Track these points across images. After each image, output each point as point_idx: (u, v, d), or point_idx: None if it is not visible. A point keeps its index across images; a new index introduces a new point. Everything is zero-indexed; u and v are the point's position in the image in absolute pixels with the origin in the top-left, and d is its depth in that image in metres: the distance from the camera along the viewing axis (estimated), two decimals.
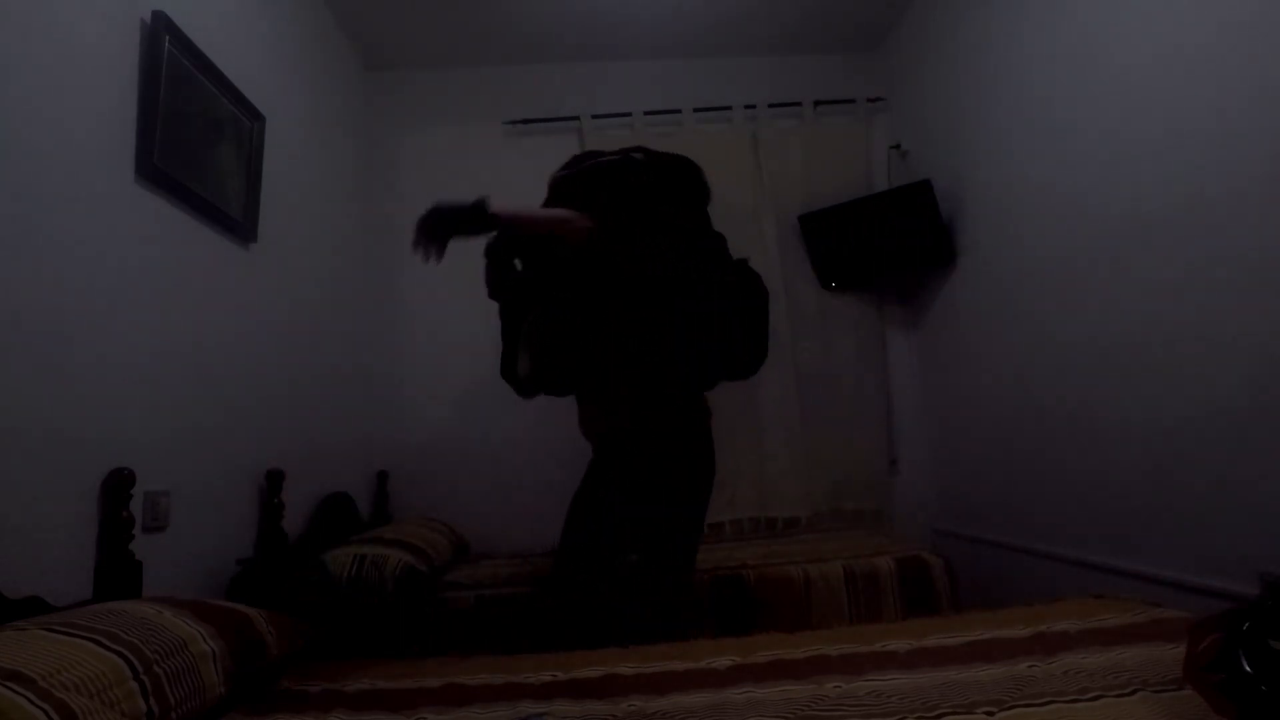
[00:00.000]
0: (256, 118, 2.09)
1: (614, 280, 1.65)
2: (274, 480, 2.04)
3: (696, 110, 3.20)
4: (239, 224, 2.00)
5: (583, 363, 1.71)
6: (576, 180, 1.74)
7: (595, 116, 3.18)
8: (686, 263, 1.66)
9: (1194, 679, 0.91)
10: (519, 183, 3.21)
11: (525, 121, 3.21)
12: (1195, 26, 1.67)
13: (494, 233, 1.60)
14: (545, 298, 1.71)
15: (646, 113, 3.20)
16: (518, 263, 1.76)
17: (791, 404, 3.02)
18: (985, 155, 2.57)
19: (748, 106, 3.20)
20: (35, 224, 1.30)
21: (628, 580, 1.55)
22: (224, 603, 1.34)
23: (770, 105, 3.20)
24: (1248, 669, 0.81)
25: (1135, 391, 1.89)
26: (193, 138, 1.79)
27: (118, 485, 1.42)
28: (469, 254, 1.63)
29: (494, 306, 2.30)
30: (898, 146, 3.16)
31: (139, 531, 1.48)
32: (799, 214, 3.09)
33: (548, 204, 1.77)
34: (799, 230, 3.11)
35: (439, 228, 1.48)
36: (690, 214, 1.77)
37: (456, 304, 3.13)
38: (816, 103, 3.22)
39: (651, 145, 1.76)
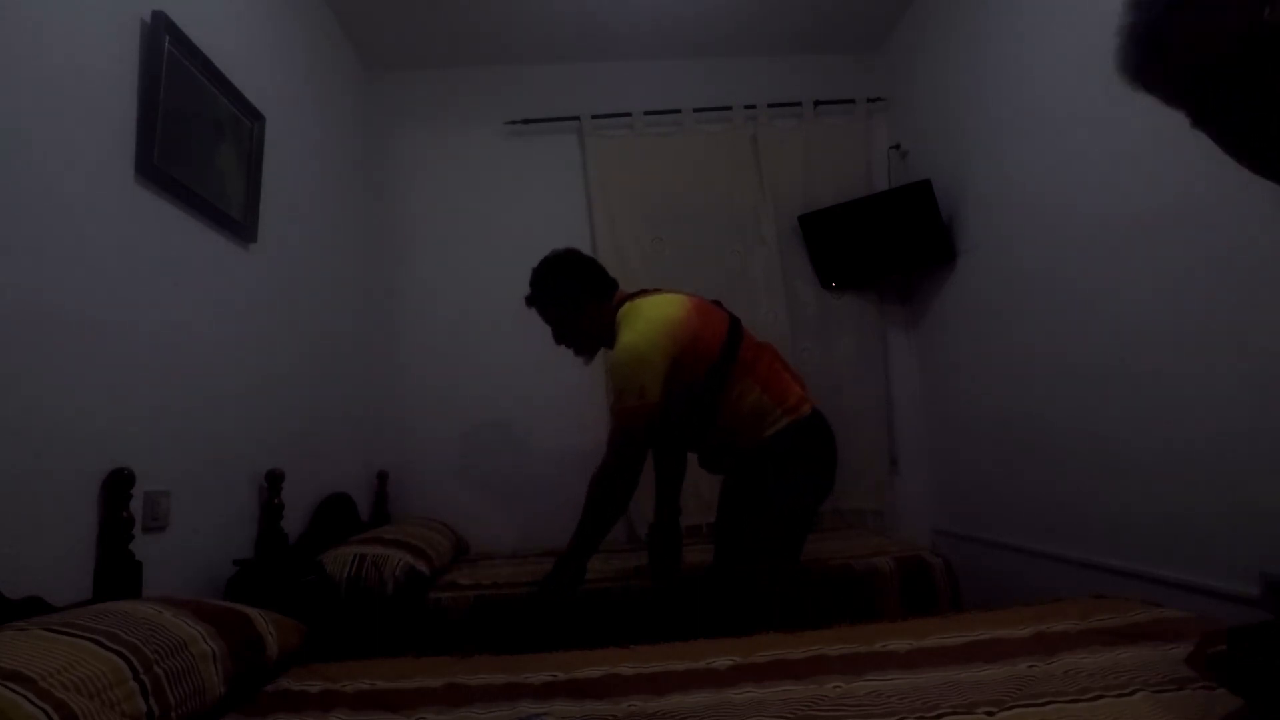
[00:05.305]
0: (256, 118, 2.09)
1: None
2: (274, 480, 2.03)
3: (696, 110, 3.20)
4: (239, 224, 2.00)
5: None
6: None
7: (595, 116, 3.18)
8: None
9: (1199, 662, 0.94)
10: (519, 183, 3.25)
11: (525, 121, 3.21)
12: None
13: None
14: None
15: (646, 113, 3.20)
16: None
17: None
18: (985, 155, 2.56)
19: (748, 106, 3.20)
20: (35, 223, 1.30)
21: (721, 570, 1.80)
22: (224, 603, 1.34)
23: (770, 105, 3.20)
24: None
25: (1135, 391, 1.89)
26: (193, 138, 1.79)
27: (118, 485, 1.42)
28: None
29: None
30: (898, 146, 3.16)
31: (139, 531, 1.47)
32: (799, 214, 3.09)
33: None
34: (799, 230, 3.11)
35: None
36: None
37: (456, 304, 3.13)
38: (816, 103, 3.22)
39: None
